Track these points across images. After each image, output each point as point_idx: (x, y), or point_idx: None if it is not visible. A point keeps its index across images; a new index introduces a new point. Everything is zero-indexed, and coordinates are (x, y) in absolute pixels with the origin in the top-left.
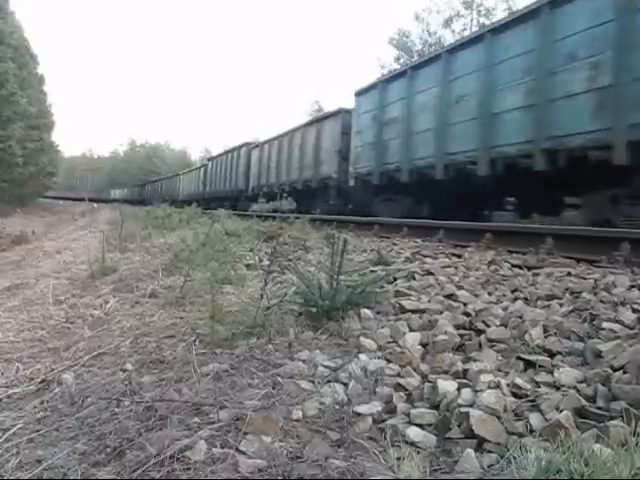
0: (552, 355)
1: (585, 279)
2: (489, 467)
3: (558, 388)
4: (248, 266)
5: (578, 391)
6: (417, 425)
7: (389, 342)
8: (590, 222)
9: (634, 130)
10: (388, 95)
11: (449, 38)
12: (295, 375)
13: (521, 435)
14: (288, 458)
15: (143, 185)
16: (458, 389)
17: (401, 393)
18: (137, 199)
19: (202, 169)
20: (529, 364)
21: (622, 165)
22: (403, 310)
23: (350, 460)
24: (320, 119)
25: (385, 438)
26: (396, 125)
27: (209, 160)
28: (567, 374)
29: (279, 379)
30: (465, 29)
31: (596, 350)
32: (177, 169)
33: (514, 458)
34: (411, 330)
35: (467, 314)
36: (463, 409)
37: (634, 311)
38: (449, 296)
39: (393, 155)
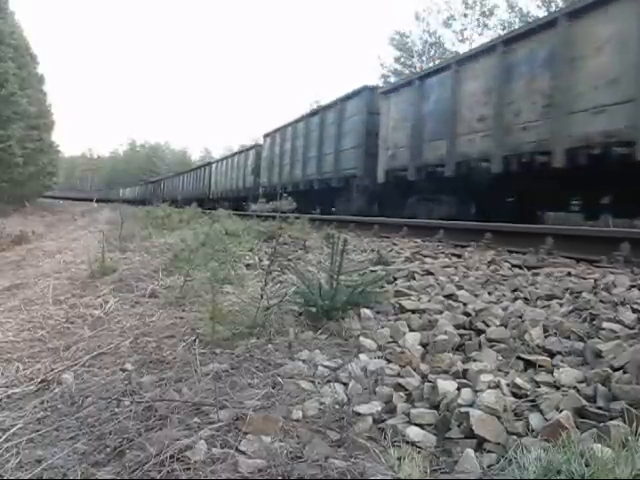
0: (552, 355)
1: (585, 279)
2: (489, 467)
3: (558, 388)
4: (248, 266)
5: (578, 391)
6: (417, 425)
7: (389, 342)
8: None
9: None
10: None
11: (450, 37)
12: (295, 375)
13: (521, 435)
14: (288, 458)
15: (158, 182)
16: (458, 389)
17: (401, 393)
18: (151, 199)
19: (252, 152)
20: (529, 364)
21: None
22: (403, 310)
23: (350, 460)
24: None
25: (385, 438)
26: None
27: (266, 136)
28: (567, 374)
29: (279, 379)
30: (466, 28)
31: (596, 350)
32: (177, 169)
33: (514, 458)
34: (411, 330)
35: (467, 314)
36: (463, 409)
37: (634, 311)
38: (449, 296)
39: None
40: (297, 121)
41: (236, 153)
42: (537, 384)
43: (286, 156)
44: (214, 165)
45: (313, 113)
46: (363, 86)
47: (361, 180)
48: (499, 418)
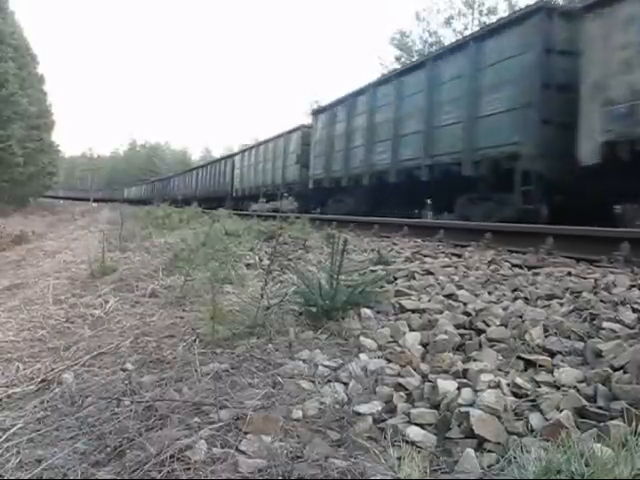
0: (552, 355)
1: (585, 279)
2: (489, 467)
3: (558, 388)
4: (248, 266)
5: (578, 391)
6: (417, 425)
7: (389, 342)
8: None
9: None
10: None
11: (450, 37)
12: (295, 375)
13: (521, 435)
14: (288, 458)
15: (167, 179)
16: (458, 389)
17: (401, 393)
18: (160, 199)
19: (295, 135)
20: (529, 364)
21: None
22: (403, 310)
23: (350, 460)
24: None
25: (385, 438)
26: None
27: (318, 112)
28: (567, 374)
29: (279, 379)
30: (466, 29)
31: (596, 350)
32: (177, 169)
33: (514, 458)
34: (411, 330)
35: (467, 314)
36: (463, 409)
37: (634, 311)
38: (449, 296)
39: None
40: (376, 84)
41: (270, 139)
42: (537, 384)
43: (357, 136)
44: (237, 157)
45: (409, 68)
46: (535, 5)
47: (530, 163)
48: (499, 418)
